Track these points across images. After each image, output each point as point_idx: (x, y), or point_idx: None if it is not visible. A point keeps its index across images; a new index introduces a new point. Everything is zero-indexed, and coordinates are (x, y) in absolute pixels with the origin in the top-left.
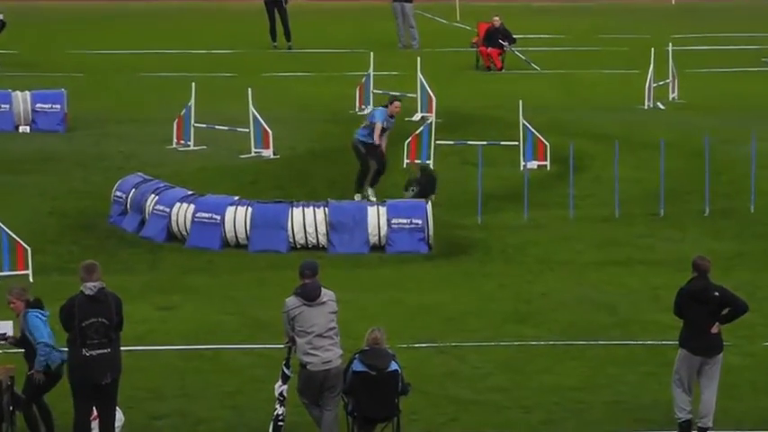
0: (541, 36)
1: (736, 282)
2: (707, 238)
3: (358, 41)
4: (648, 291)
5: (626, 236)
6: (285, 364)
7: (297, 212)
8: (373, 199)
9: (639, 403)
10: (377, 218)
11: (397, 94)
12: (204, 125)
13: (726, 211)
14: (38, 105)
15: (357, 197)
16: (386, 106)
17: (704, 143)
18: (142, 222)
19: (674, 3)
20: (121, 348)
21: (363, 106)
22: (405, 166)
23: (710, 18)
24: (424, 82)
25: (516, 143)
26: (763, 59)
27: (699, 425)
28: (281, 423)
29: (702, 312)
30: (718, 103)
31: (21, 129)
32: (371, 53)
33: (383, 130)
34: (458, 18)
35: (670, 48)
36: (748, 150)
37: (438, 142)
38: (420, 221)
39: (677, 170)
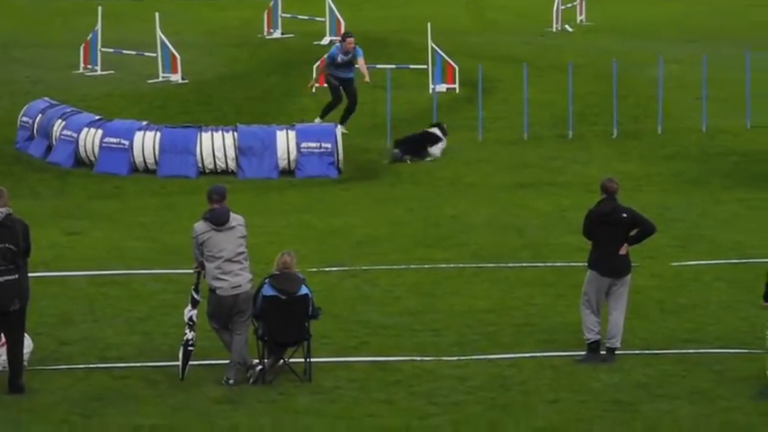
0: None
1: (643, 203)
2: (614, 160)
3: None
4: (557, 213)
5: (534, 158)
6: (194, 289)
7: (206, 137)
8: (345, 131)
9: (548, 325)
10: (286, 142)
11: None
12: (111, 50)
13: (633, 132)
14: None
15: (317, 121)
16: (341, 42)
17: (612, 66)
18: (49, 148)
19: None
20: (29, 274)
21: (272, 30)
22: (313, 90)
23: None
24: (333, 5)
25: (425, 66)
26: None
27: (607, 345)
28: (190, 348)
29: (611, 234)
30: (625, 26)
31: None
32: None
33: (335, 66)
34: None
35: None
36: (655, 73)
37: None
38: (330, 146)
39: (585, 93)
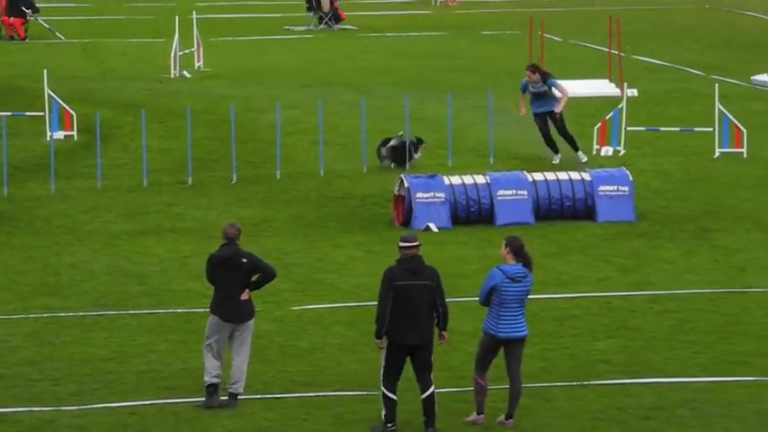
0: (66, 5)
1: (264, 248)
2: (234, 206)
3: None
4: (178, 259)
5: (155, 205)
6: None
7: None
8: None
9: (170, 371)
10: None
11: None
12: None
13: (253, 178)
14: None
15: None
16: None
17: (230, 111)
18: None
19: None
20: None
21: None
22: None
23: None
24: None
25: (42, 113)
26: (286, 27)
27: (230, 390)
28: None
29: (232, 279)
30: (243, 72)
31: None
32: None
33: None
34: None
35: (195, 16)
36: (274, 118)
37: None
38: None
39: (205, 138)
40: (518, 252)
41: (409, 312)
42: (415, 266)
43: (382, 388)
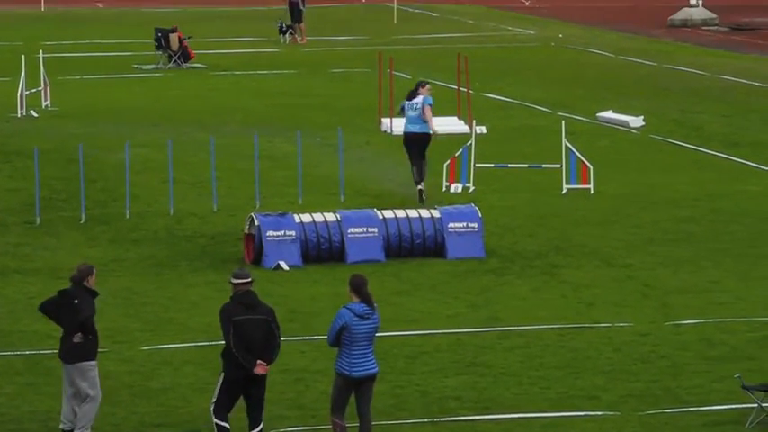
0: None
1: (113, 288)
2: (83, 246)
3: None
4: (25, 300)
5: (1, 245)
6: None
7: None
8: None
9: (17, 414)
10: None
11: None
12: None
13: (102, 217)
14: None
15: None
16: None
17: (79, 150)
18: None
19: (43, 9)
20: None
21: None
22: None
23: (81, 25)
24: None
25: None
26: (135, 66)
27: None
28: None
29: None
30: (91, 110)
31: None
32: None
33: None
34: None
35: (41, 55)
36: (123, 157)
37: None
38: None
39: (53, 178)
40: (358, 291)
41: (244, 347)
42: (249, 301)
43: (215, 419)
